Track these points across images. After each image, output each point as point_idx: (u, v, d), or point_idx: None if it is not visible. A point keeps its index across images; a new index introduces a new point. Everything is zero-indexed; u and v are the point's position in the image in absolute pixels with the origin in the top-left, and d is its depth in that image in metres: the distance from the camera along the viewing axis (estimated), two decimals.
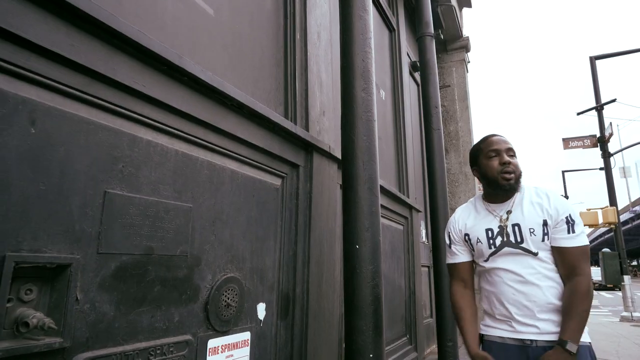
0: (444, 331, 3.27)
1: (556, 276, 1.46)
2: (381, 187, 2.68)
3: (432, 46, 3.79)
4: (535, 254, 1.47)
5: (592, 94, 10.84)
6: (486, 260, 1.57)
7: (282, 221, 1.67)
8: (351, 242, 1.74)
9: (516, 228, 1.51)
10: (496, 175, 1.56)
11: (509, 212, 1.58)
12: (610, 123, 10.76)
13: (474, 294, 1.74)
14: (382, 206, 2.81)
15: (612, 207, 10.15)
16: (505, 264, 1.51)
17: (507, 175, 1.54)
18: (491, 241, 1.55)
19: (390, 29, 3.79)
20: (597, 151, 11.18)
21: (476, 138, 5.62)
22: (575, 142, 11.54)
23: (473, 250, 1.65)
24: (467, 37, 5.49)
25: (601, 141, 10.80)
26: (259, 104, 1.50)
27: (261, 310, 1.50)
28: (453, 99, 5.40)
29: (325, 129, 2.06)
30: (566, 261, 1.43)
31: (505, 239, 1.52)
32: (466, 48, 5.51)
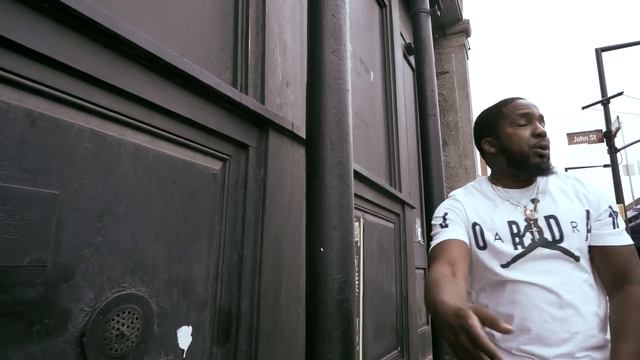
0: (441, 341, 2.88)
1: (597, 294, 1.09)
2: (367, 179, 2.29)
3: (428, 24, 3.40)
4: (577, 259, 1.10)
5: (596, 90, 10.43)
6: (505, 266, 1.17)
7: (222, 216, 1.28)
8: (314, 243, 1.36)
9: (552, 221, 1.15)
10: (527, 151, 1.18)
11: (534, 201, 1.22)
12: (618, 117, 10.33)
13: (465, 287, 1.16)
14: (369, 201, 2.42)
15: (619, 204, 9.74)
16: (534, 276, 1.12)
17: (542, 151, 1.17)
18: (517, 239, 1.17)
19: (381, 4, 3.39)
20: (600, 149, 10.76)
21: None
22: (581, 137, 11.11)
23: (482, 246, 1.22)
24: (468, 20, 5.08)
25: (607, 136, 10.38)
26: (184, 61, 1.12)
27: (184, 336, 1.11)
28: (452, 87, 4.99)
29: (290, 104, 1.67)
30: (614, 265, 1.08)
31: (537, 236, 1.14)
32: (466, 32, 5.10)
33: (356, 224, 2.24)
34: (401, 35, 3.83)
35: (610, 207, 1.15)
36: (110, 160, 0.95)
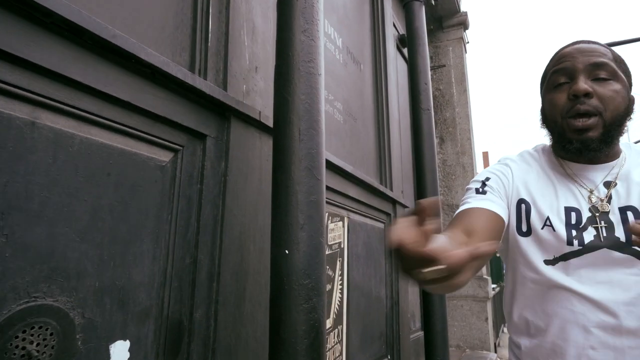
0: (434, 349, 2.73)
1: None
2: (352, 175, 2.14)
3: (422, 13, 3.25)
4: None
5: None
6: (551, 263, 0.91)
7: (172, 214, 1.14)
8: (278, 244, 1.21)
9: (630, 215, 0.87)
10: (560, 123, 0.92)
11: (609, 185, 0.92)
12: None
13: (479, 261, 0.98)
14: (354, 199, 2.27)
15: None
16: (588, 285, 0.86)
17: (578, 124, 0.88)
18: (574, 231, 0.89)
19: None
20: None
21: (475, 125, 5.06)
22: None
23: (525, 231, 0.96)
24: (466, 12, 4.92)
25: None
26: (119, 34, 0.97)
27: (120, 351, 0.96)
28: (449, 81, 4.84)
29: (259, 91, 1.53)
30: None
31: (605, 233, 0.87)
32: (464, 25, 4.94)
33: (339, 223, 2.10)
34: (394, 26, 3.68)
35: None
36: (18, 147, 0.81)
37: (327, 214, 1.96)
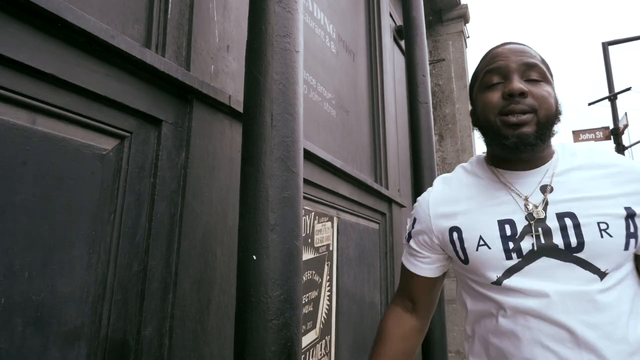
0: (432, 358, 2.54)
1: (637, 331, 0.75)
2: (342, 172, 1.96)
3: (420, 1, 3.06)
4: (603, 275, 0.78)
5: (603, 85, 10.05)
6: (497, 284, 0.87)
7: (114, 213, 0.95)
8: (245, 248, 1.02)
9: (567, 221, 0.83)
10: (493, 121, 0.86)
11: (545, 190, 0.89)
12: (626, 113, 9.96)
13: (422, 328, 1.14)
14: (345, 197, 2.09)
15: None
16: (534, 299, 0.80)
17: (511, 119, 0.85)
18: (511, 243, 0.86)
19: None
20: (607, 147, 10.39)
21: None
22: (587, 134, 10.74)
23: (463, 259, 0.93)
24: (466, 5, 4.73)
25: (615, 133, 10.01)
26: None
27: None
28: (449, 76, 4.65)
29: (230, 73, 1.34)
30: None
31: (543, 240, 0.83)
32: (464, 18, 4.75)
33: (328, 224, 1.91)
34: (391, 16, 3.50)
35: None
36: None
37: (313, 213, 1.78)
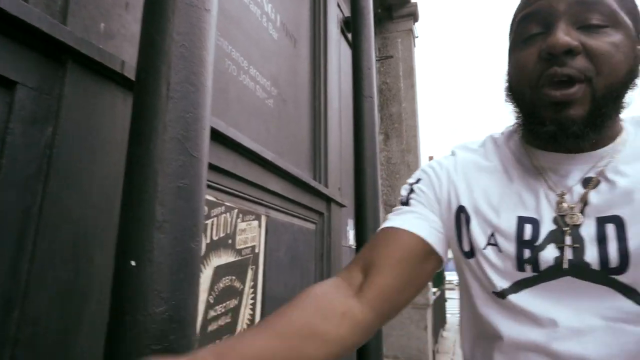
0: None
1: None
2: (273, 165, 1.75)
3: None
4: None
5: None
6: (500, 295, 0.64)
7: None
8: (123, 251, 0.79)
9: (610, 230, 0.58)
10: (528, 94, 0.60)
11: (587, 183, 0.63)
12: None
13: (362, 320, 0.64)
14: (277, 194, 1.89)
15: None
16: (545, 329, 0.58)
17: (554, 93, 0.58)
18: (527, 252, 0.61)
19: None
20: None
21: (422, 121, 4.82)
22: None
23: (467, 251, 0.67)
24: (416, 3, 4.67)
25: None
26: None
27: None
28: (397, 75, 4.57)
29: (128, 36, 1.09)
30: None
31: (570, 255, 0.59)
32: (414, 17, 4.69)
33: (254, 222, 1.70)
34: (339, 7, 3.34)
35: None
36: None
37: (237, 210, 1.56)
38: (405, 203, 0.76)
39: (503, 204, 0.67)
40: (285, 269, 1.96)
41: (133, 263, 0.77)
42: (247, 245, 1.63)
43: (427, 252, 0.70)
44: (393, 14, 4.72)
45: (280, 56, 2.21)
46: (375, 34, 3.11)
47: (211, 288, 1.35)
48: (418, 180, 0.79)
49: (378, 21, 4.38)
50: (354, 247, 3.53)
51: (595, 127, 0.60)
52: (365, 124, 2.62)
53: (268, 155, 1.72)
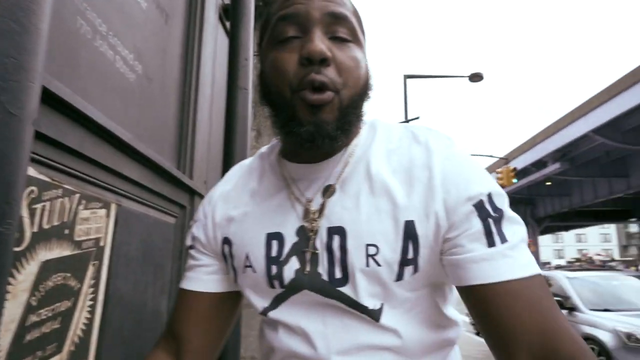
0: None
1: None
2: (130, 147, 1.55)
3: None
4: (376, 317, 0.57)
5: (401, 114, 11.60)
6: (263, 313, 0.68)
7: None
8: None
9: (335, 240, 0.60)
10: (288, 97, 0.63)
11: (327, 191, 0.65)
12: None
13: None
14: (132, 180, 1.67)
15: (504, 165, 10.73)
16: (302, 344, 0.61)
17: (311, 96, 0.60)
18: (274, 268, 0.64)
19: None
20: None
21: None
22: None
23: (234, 281, 0.72)
24: None
25: None
26: None
27: None
28: None
29: None
30: (498, 323, 0.47)
31: (308, 266, 0.62)
32: None
33: (101, 211, 1.47)
34: None
35: (483, 201, 0.57)
36: None
37: (78, 195, 1.32)
38: (191, 247, 0.81)
39: (254, 223, 0.70)
40: (136, 266, 1.74)
41: None
42: (89, 237, 1.40)
43: (222, 299, 0.75)
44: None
45: (148, 29, 1.98)
46: (256, 28, 3.01)
47: (35, 287, 1.11)
48: (196, 222, 0.82)
49: (259, 15, 4.29)
50: None
51: (344, 131, 0.65)
52: (237, 117, 2.50)
53: (125, 135, 1.50)
